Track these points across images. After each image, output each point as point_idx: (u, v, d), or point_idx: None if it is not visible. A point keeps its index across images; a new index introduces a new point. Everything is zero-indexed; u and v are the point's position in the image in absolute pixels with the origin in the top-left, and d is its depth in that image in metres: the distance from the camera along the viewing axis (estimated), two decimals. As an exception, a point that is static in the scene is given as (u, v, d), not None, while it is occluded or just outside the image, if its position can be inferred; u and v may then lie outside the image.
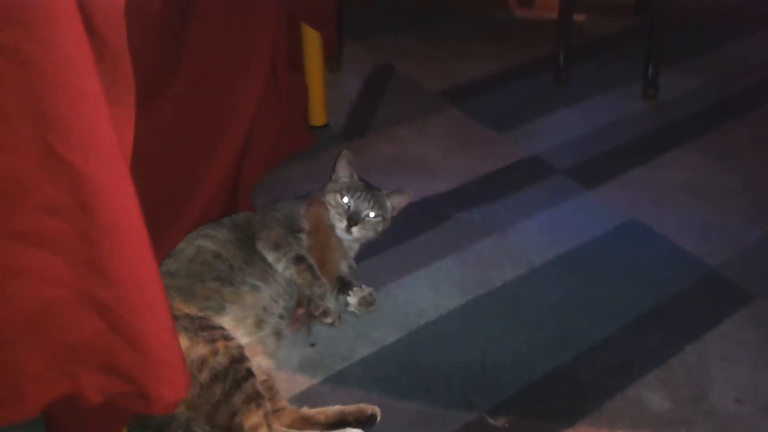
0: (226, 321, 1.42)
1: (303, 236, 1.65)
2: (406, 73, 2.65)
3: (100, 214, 1.01)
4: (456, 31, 2.98)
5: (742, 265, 1.79)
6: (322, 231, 1.67)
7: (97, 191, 0.99)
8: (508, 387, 1.47)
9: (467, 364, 1.52)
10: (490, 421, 1.40)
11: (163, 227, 1.51)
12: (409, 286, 1.73)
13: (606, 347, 1.56)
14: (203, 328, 1.34)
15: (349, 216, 1.65)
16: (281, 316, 1.53)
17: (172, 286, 1.43)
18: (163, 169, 1.55)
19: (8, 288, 1.05)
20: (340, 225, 1.66)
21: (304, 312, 1.60)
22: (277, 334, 1.51)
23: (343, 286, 1.66)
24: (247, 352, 1.35)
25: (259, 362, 1.41)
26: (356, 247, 1.75)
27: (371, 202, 1.68)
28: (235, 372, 1.29)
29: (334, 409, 1.38)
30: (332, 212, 1.68)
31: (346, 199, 1.67)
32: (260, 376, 1.35)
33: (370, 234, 1.70)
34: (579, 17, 2.85)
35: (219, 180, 1.73)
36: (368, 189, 1.71)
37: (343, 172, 1.73)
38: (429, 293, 1.70)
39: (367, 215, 1.68)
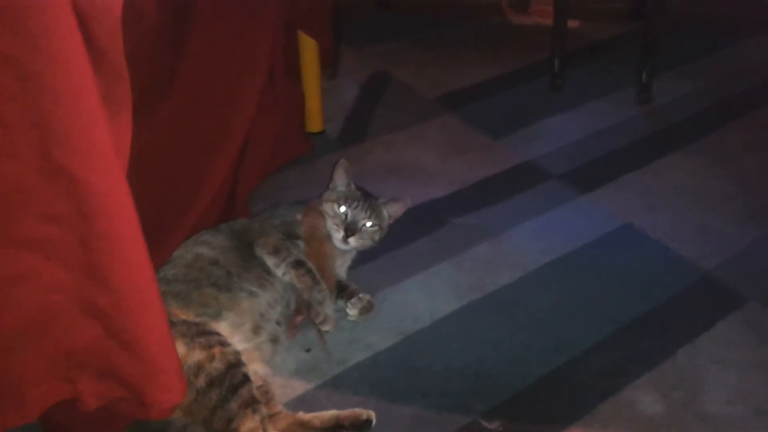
0: (222, 327, 1.43)
1: (301, 243, 1.66)
2: (402, 80, 2.67)
3: (98, 221, 1.02)
4: (452, 38, 3.00)
5: (735, 268, 1.80)
6: (318, 240, 1.68)
7: (95, 198, 1.01)
8: (502, 391, 1.48)
9: (462, 369, 1.53)
10: (485, 424, 1.41)
11: (161, 234, 1.52)
12: (405, 290, 1.74)
13: (600, 351, 1.58)
14: (200, 334, 1.35)
15: (346, 226, 1.65)
16: (278, 323, 1.54)
17: (170, 293, 1.44)
18: (161, 176, 1.56)
19: (8, 294, 1.07)
20: (337, 235, 1.66)
21: (302, 319, 1.61)
22: (274, 340, 1.52)
23: (341, 291, 1.67)
24: (243, 358, 1.36)
25: (255, 368, 1.42)
26: (353, 254, 1.76)
27: (368, 212, 1.68)
28: (232, 377, 1.30)
29: (329, 414, 1.39)
30: (329, 222, 1.68)
31: (343, 209, 1.67)
32: (256, 382, 1.36)
33: (367, 243, 1.71)
34: (574, 23, 2.87)
35: (216, 187, 1.74)
36: (365, 198, 1.71)
37: (340, 181, 1.73)
38: (425, 298, 1.72)
39: (364, 225, 1.68)
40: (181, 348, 1.29)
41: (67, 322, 1.10)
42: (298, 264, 1.59)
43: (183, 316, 1.39)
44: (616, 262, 1.83)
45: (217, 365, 1.30)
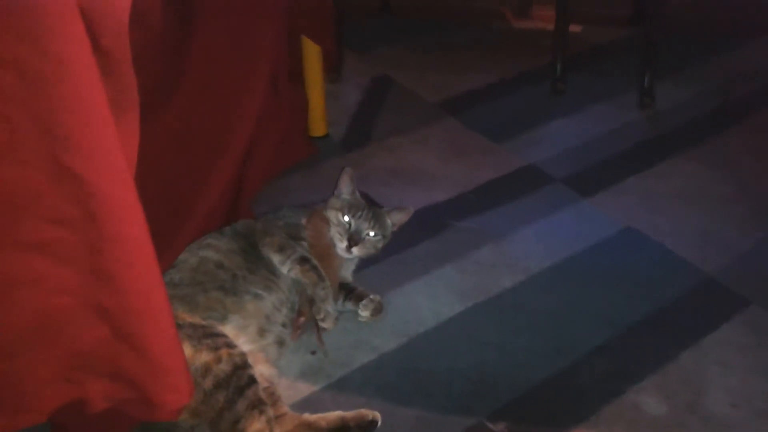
0: (228, 330, 1.43)
1: (305, 244, 1.67)
2: (405, 85, 2.68)
3: (106, 223, 1.03)
4: (454, 42, 3.01)
5: (737, 271, 1.80)
6: (322, 245, 1.68)
7: (103, 201, 1.02)
8: (506, 393, 1.49)
9: (466, 371, 1.54)
10: (490, 426, 1.42)
11: (166, 237, 1.53)
12: (408, 294, 1.75)
13: (603, 353, 1.58)
14: (207, 335, 1.35)
15: (349, 236, 1.66)
16: (284, 325, 1.55)
17: (176, 296, 1.44)
18: (166, 179, 1.57)
19: (16, 297, 1.08)
20: (341, 245, 1.67)
21: (305, 320, 1.62)
22: (280, 342, 1.53)
23: (349, 293, 1.68)
24: (249, 360, 1.37)
25: (261, 370, 1.43)
26: (357, 259, 1.77)
27: (371, 222, 1.68)
28: (238, 379, 1.31)
29: (334, 415, 1.39)
30: (333, 230, 1.68)
31: (347, 218, 1.68)
32: (262, 383, 1.37)
33: (371, 252, 1.71)
34: (575, 28, 2.89)
35: (220, 190, 1.75)
36: (369, 207, 1.71)
37: (345, 188, 1.72)
38: (428, 301, 1.73)
39: (368, 234, 1.68)
40: (188, 350, 1.29)
41: (75, 324, 1.11)
42: (303, 260, 1.60)
43: (189, 319, 1.40)
44: (619, 265, 1.84)
45: (224, 367, 1.31)
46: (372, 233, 1.69)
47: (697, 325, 1.65)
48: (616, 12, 3.13)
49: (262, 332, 1.49)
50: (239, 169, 1.86)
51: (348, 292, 1.69)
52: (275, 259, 1.60)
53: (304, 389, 1.50)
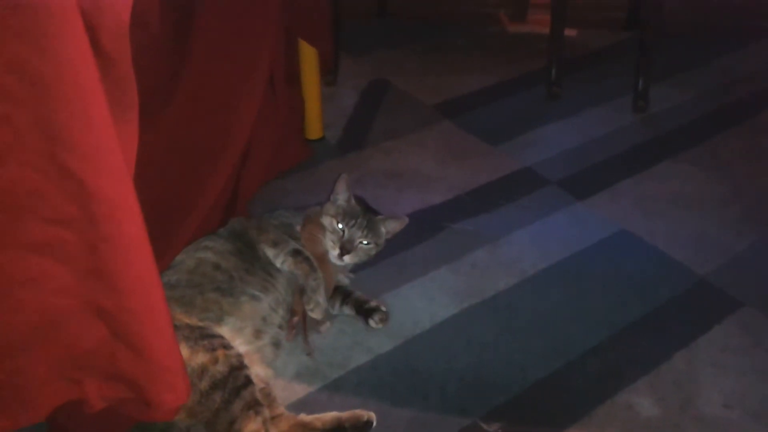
0: (224, 331, 1.44)
1: (299, 245, 1.68)
2: (401, 88, 2.69)
3: (105, 224, 1.03)
4: (450, 46, 3.02)
5: (730, 273, 1.82)
6: (317, 252, 1.68)
7: (102, 202, 1.02)
8: (501, 394, 1.50)
9: (461, 372, 1.55)
10: (484, 426, 1.43)
11: (163, 238, 1.53)
12: (404, 295, 1.76)
13: (597, 354, 1.59)
14: (203, 337, 1.36)
15: (342, 245, 1.67)
16: (280, 326, 1.56)
17: (173, 297, 1.45)
18: (164, 181, 1.57)
19: (16, 297, 1.08)
20: (333, 252, 1.68)
21: (298, 319, 1.62)
22: (276, 343, 1.54)
23: (346, 297, 1.69)
24: (245, 361, 1.38)
25: (257, 371, 1.44)
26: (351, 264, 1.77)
27: (365, 231, 1.69)
28: (235, 380, 1.32)
29: (330, 416, 1.40)
30: (327, 236, 1.69)
31: (341, 226, 1.69)
32: (258, 384, 1.37)
33: (363, 259, 1.73)
34: (570, 32, 2.90)
35: (217, 192, 1.75)
36: (364, 215, 1.72)
37: (341, 195, 1.73)
38: (424, 303, 1.73)
39: (361, 243, 1.70)
40: (185, 351, 1.30)
41: (73, 324, 1.11)
42: (296, 252, 1.62)
43: (186, 321, 1.41)
44: (613, 267, 1.85)
45: (221, 368, 1.31)
46: (365, 242, 1.70)
47: (690, 326, 1.66)
48: (611, 16, 3.15)
49: (258, 333, 1.50)
50: (236, 171, 1.87)
51: (345, 296, 1.69)
52: (269, 253, 1.61)
53: (300, 390, 1.50)
